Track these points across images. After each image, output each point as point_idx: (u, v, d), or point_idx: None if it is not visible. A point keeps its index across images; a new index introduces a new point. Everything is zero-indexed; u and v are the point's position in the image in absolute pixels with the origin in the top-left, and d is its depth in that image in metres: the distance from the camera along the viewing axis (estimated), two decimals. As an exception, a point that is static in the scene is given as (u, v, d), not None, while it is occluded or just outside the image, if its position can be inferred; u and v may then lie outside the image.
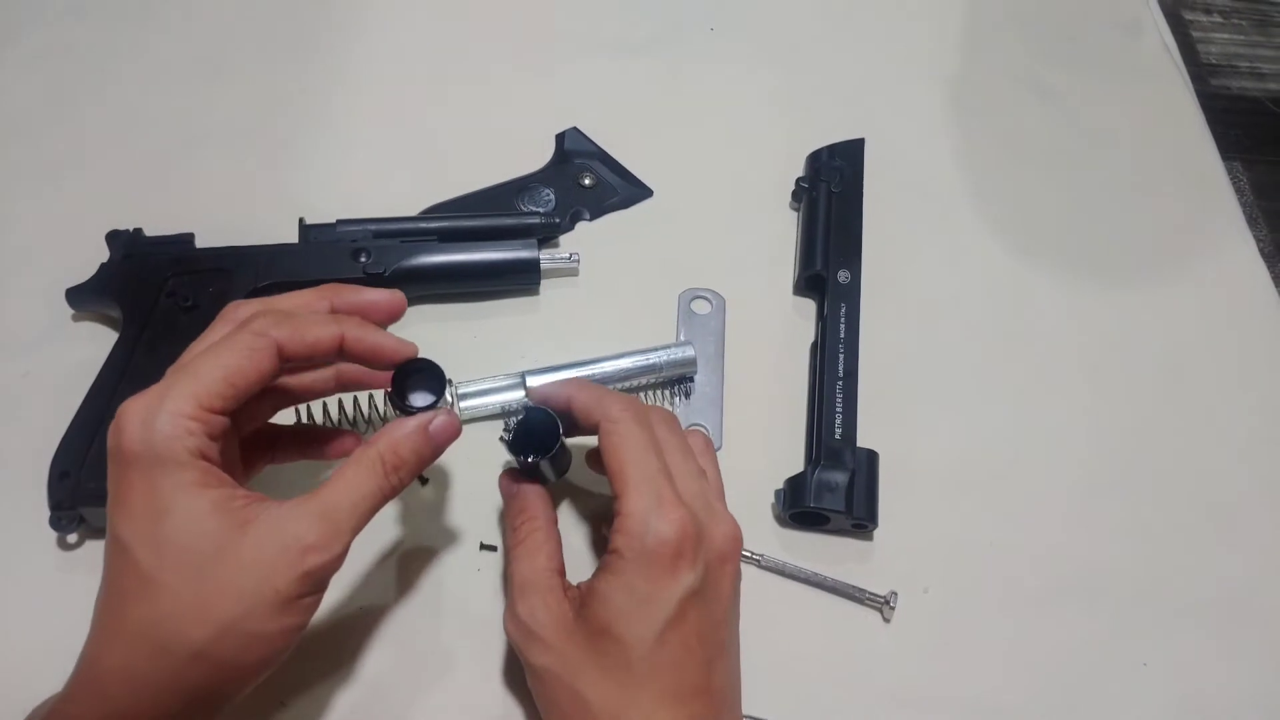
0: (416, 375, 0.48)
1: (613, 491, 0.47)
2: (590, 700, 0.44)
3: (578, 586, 0.48)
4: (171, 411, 0.40)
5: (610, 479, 0.47)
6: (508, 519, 0.52)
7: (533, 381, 0.61)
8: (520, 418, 0.51)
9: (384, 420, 0.60)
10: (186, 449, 0.40)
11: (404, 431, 0.46)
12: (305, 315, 0.46)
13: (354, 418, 0.59)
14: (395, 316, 0.50)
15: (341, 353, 0.46)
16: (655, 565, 0.44)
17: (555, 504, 0.53)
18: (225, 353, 0.43)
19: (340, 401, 0.58)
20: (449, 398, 0.51)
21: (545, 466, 0.52)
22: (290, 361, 0.45)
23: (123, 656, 0.40)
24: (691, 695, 0.44)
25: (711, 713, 0.45)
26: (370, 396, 0.59)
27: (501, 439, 0.52)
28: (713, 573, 0.46)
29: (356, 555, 0.56)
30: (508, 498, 0.52)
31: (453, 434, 0.47)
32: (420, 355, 0.48)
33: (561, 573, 0.49)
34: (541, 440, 0.50)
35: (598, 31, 0.83)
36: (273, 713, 0.51)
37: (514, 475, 0.53)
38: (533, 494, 0.52)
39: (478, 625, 0.55)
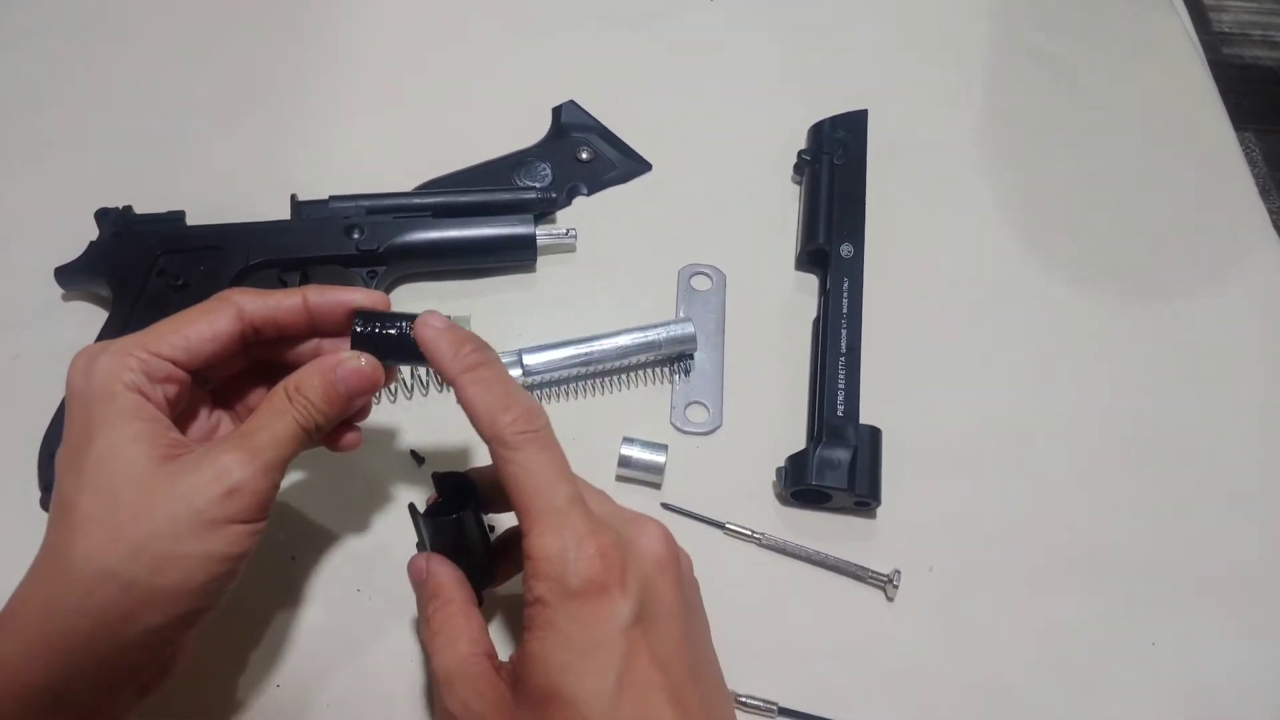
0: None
1: (520, 525, 0.42)
2: None
3: (509, 662, 0.42)
4: (114, 351, 0.43)
5: (516, 512, 0.42)
6: (419, 609, 0.46)
7: (529, 360, 0.60)
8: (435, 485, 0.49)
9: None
10: (121, 382, 0.42)
11: (310, 372, 0.45)
12: (272, 290, 0.48)
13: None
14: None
15: (310, 314, 0.47)
16: (586, 605, 0.39)
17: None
18: (186, 312, 0.45)
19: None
20: None
21: (463, 550, 0.48)
22: (258, 330, 0.47)
23: (35, 583, 0.41)
24: None
25: None
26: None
27: (411, 509, 0.48)
28: (651, 588, 0.41)
29: (350, 536, 0.56)
30: (416, 585, 0.47)
31: (362, 379, 0.46)
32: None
33: (490, 655, 0.43)
34: (454, 500, 0.48)
35: (597, 1, 0.81)
36: (267, 692, 0.51)
37: (425, 558, 0.47)
38: (443, 575, 0.46)
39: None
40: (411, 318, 0.47)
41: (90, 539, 0.40)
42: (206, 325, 0.45)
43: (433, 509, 0.49)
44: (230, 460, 0.41)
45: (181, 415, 0.46)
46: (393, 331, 0.47)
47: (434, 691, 0.44)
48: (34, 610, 0.40)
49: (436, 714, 0.44)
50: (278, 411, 0.44)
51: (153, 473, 0.41)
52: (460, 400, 0.44)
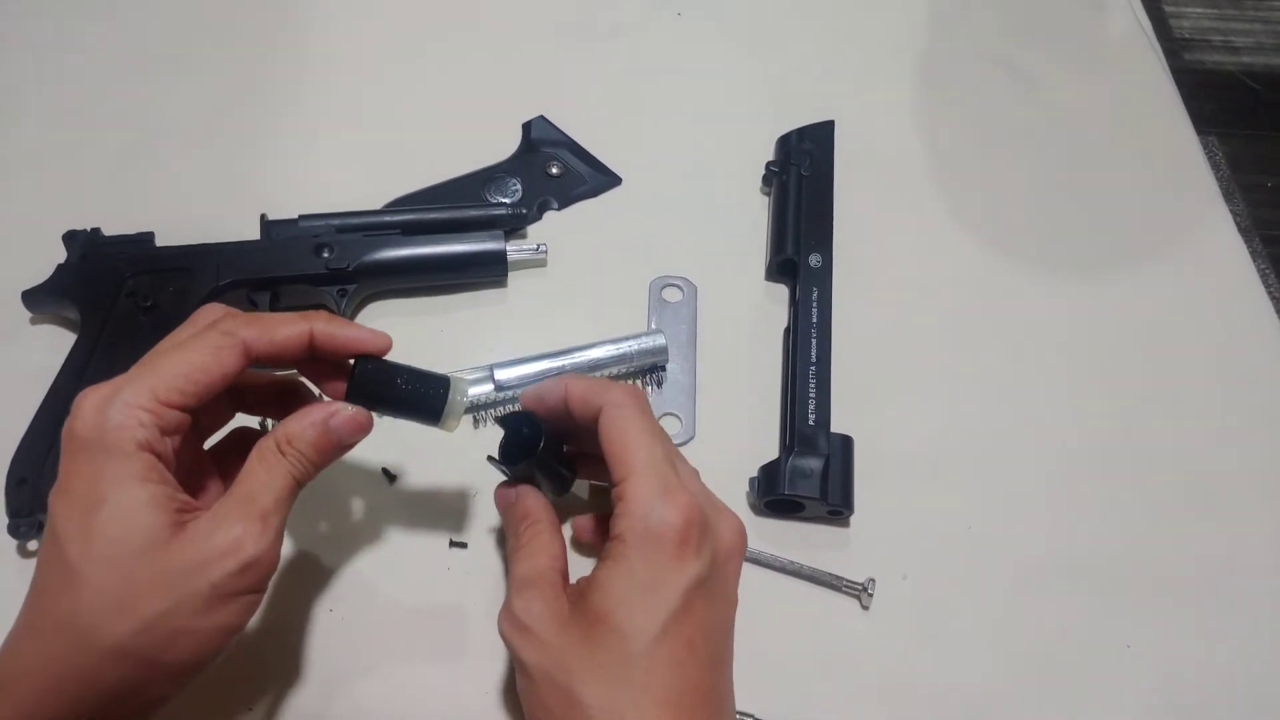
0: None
1: (613, 479, 0.44)
2: (584, 700, 0.40)
3: (577, 583, 0.45)
4: (126, 401, 0.40)
5: (611, 466, 0.44)
6: (508, 526, 0.49)
7: (501, 375, 0.60)
8: (504, 430, 0.51)
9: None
10: (135, 440, 0.40)
11: (302, 424, 0.44)
12: (274, 316, 0.45)
13: None
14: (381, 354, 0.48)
15: (313, 349, 0.45)
16: (660, 550, 0.41)
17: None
18: (190, 350, 0.42)
19: None
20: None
21: (539, 474, 0.50)
22: (259, 361, 0.44)
23: (38, 652, 0.39)
24: (697, 702, 0.41)
25: None
26: None
27: (490, 459, 0.50)
28: (719, 568, 0.43)
29: (324, 554, 0.56)
30: (506, 507, 0.50)
31: (356, 429, 0.46)
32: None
33: (564, 573, 0.46)
34: (526, 444, 0.49)
35: (564, 17, 0.82)
36: (239, 715, 0.51)
37: (510, 486, 0.51)
38: (531, 498, 0.49)
39: (447, 622, 0.54)
40: (417, 373, 0.47)
41: (100, 612, 0.38)
42: (215, 365, 0.42)
43: (506, 453, 0.50)
44: (243, 533, 0.40)
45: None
46: (400, 388, 0.47)
47: (506, 595, 0.46)
48: (36, 680, 0.39)
49: (500, 615, 0.45)
50: (272, 467, 0.43)
51: (166, 544, 0.39)
52: (569, 395, 0.47)
